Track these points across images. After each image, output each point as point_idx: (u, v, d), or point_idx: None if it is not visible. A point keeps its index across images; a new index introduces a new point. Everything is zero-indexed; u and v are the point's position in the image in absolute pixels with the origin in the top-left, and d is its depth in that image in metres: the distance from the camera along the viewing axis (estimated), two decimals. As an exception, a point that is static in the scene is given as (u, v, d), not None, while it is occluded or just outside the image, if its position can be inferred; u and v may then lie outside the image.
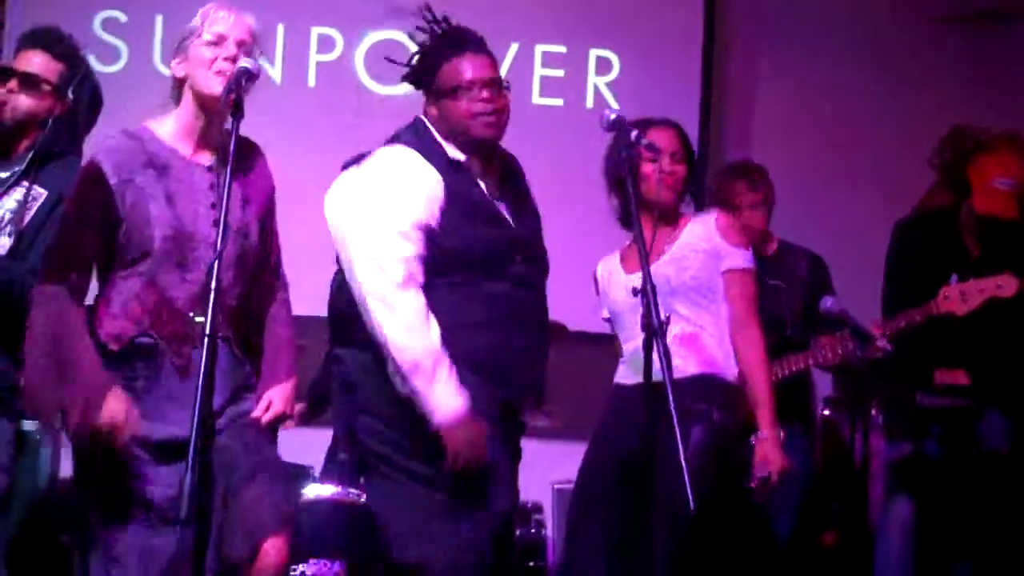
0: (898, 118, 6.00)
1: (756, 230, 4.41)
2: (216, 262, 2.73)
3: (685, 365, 3.48)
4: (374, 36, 5.93)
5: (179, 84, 3.08)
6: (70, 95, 3.49)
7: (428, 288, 3.07)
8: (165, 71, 5.65)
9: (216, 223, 2.85)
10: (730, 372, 3.65)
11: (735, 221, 3.84)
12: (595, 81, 6.02)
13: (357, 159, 3.20)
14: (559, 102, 6.02)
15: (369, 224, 3.08)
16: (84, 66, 3.56)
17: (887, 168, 5.87)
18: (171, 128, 3.08)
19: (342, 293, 3.15)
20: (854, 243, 5.13)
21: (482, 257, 3.12)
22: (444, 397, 3.01)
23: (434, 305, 3.06)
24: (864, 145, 6.07)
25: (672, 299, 3.58)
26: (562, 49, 6.05)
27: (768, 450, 3.60)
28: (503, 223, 3.21)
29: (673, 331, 3.36)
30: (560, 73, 6.05)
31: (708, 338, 3.64)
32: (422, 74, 3.24)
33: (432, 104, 3.22)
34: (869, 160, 6.02)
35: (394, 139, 3.22)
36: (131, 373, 2.97)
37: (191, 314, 2.92)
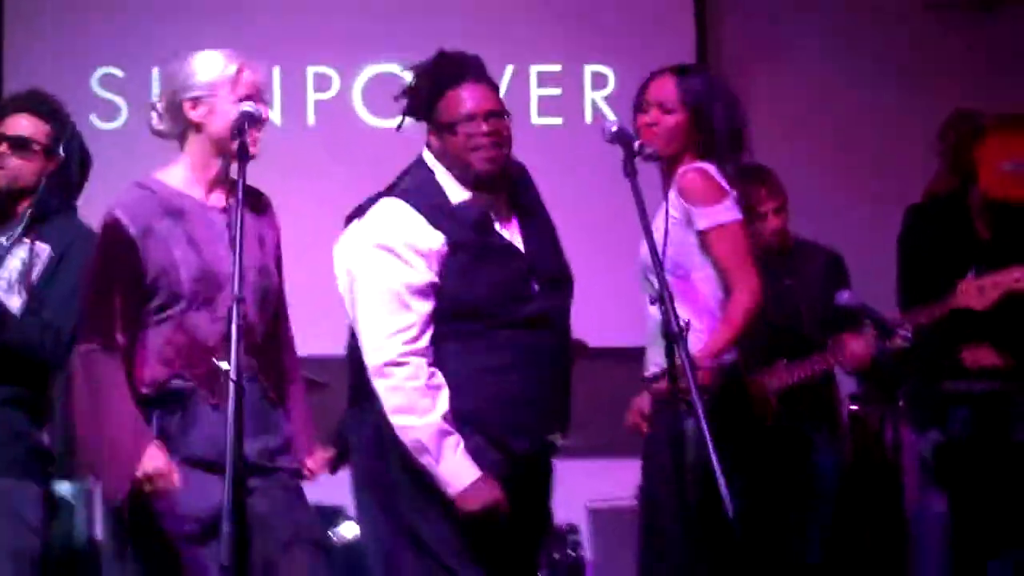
0: (898, 107, 5.98)
1: (782, 231, 4.37)
2: (235, 303, 2.69)
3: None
4: (371, 70, 5.95)
5: (192, 128, 3.05)
6: (61, 153, 3.52)
7: (439, 339, 3.04)
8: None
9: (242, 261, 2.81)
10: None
11: (699, 175, 3.44)
12: (592, 96, 6.03)
13: (359, 210, 3.15)
14: (558, 120, 6.02)
15: (367, 295, 3.06)
16: (70, 124, 3.60)
17: (889, 160, 5.86)
18: (181, 175, 3.08)
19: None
20: (859, 236, 5.10)
21: (497, 299, 3.07)
22: (453, 470, 2.99)
23: (444, 356, 3.04)
24: (864, 140, 6.05)
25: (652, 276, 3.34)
26: (557, 68, 6.05)
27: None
28: (515, 254, 3.15)
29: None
30: (557, 92, 6.05)
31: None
32: (420, 108, 3.18)
33: (433, 135, 3.17)
34: (870, 154, 6.00)
35: (395, 186, 3.17)
36: (167, 415, 2.96)
37: (215, 358, 2.90)
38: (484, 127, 3.09)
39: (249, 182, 2.92)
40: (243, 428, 2.63)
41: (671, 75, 3.54)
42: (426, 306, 3.05)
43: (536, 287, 3.13)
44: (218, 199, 3.06)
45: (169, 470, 2.88)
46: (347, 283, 3.12)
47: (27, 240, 3.44)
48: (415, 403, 3.00)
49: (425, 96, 3.16)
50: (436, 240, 3.06)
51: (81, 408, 2.98)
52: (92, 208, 3.60)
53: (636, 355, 3.60)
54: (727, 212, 3.43)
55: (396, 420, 3.01)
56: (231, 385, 2.63)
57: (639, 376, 3.53)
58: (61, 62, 5.64)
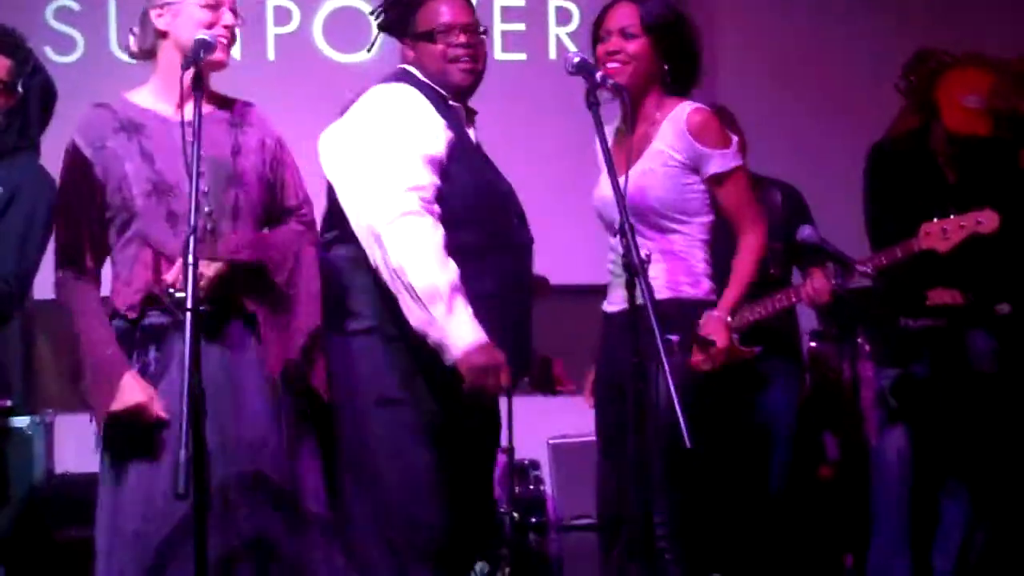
0: (867, 42, 5.98)
1: None
2: (191, 236, 2.64)
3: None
4: (331, 4, 5.88)
5: (160, 38, 3.01)
6: (19, 89, 3.45)
7: None
8: (123, 57, 5.60)
9: (200, 175, 2.76)
10: (700, 291, 3.40)
11: (710, 117, 3.40)
12: (556, 32, 5.99)
13: (348, 104, 3.11)
14: (522, 56, 5.97)
15: (379, 152, 2.97)
16: (32, 59, 3.52)
17: (860, 96, 5.86)
18: (149, 91, 3.04)
19: (325, 251, 3.07)
20: (831, 174, 5.10)
21: (493, 215, 3.04)
22: (463, 326, 2.88)
23: None
24: (836, 74, 6.04)
25: (636, 219, 3.26)
26: (521, 3, 6.00)
27: (712, 325, 3.32)
28: (500, 177, 3.15)
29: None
30: (521, 27, 6.00)
31: (672, 259, 3.37)
32: (398, 18, 3.17)
33: (410, 48, 3.16)
34: (841, 90, 5.99)
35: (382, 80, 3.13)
36: (144, 357, 2.94)
37: (172, 290, 2.82)
38: (462, 38, 3.10)
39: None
40: (199, 359, 2.58)
41: (630, 1, 3.44)
42: (436, 181, 2.98)
43: (515, 218, 3.12)
44: (188, 115, 2.91)
45: (148, 401, 2.86)
46: (345, 156, 3.03)
47: (-22, 181, 3.37)
48: (437, 252, 2.90)
49: (404, 6, 3.15)
50: (442, 126, 3.04)
51: (66, 336, 2.96)
52: (47, 142, 3.55)
53: (597, 292, 3.60)
54: (736, 156, 3.42)
55: (416, 263, 2.87)
56: (187, 315, 2.58)
57: (599, 313, 3.52)
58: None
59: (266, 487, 2.91)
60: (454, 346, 2.87)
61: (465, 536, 3.08)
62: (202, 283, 2.78)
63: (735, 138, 3.46)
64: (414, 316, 2.90)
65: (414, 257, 2.88)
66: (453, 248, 2.95)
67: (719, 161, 3.37)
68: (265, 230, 3.07)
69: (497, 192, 3.11)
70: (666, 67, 3.41)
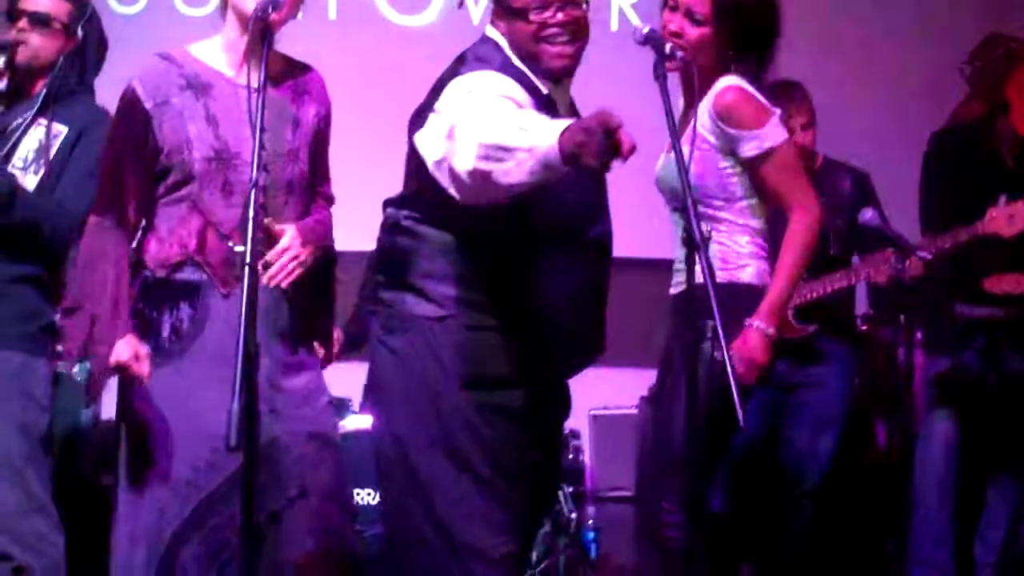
0: (923, 26, 5.90)
1: (809, 148, 4.31)
2: (253, 189, 2.55)
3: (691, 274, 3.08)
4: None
5: (224, 1, 2.99)
6: (79, 33, 3.48)
7: (504, 263, 2.79)
8: (186, 10, 5.69)
9: (262, 146, 2.65)
10: (745, 276, 3.24)
11: (740, 96, 3.19)
12: (619, 3, 5.97)
13: (422, 109, 2.77)
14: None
15: (470, 102, 2.60)
16: (90, 4, 3.55)
17: (915, 78, 5.80)
18: (215, 48, 3.00)
19: (395, 234, 2.87)
20: (884, 154, 5.05)
21: (579, 212, 2.83)
22: (546, 132, 2.41)
23: (511, 280, 2.79)
24: (893, 57, 5.98)
25: (676, 203, 3.16)
26: (583, -28, 5.97)
27: (751, 340, 3.18)
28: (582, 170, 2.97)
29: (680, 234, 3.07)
30: (583, -4, 5.96)
31: (714, 244, 3.16)
32: None
33: (500, 18, 2.83)
34: (896, 72, 5.93)
35: (460, 63, 2.79)
36: (177, 314, 2.94)
37: (230, 243, 2.85)
38: (560, 16, 2.77)
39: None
40: (255, 315, 2.49)
41: None
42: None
43: (599, 202, 2.91)
44: (252, 78, 2.85)
45: (128, 360, 2.88)
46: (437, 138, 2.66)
47: (44, 121, 3.40)
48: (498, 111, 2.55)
49: None
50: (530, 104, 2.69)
51: (78, 280, 2.98)
52: (106, 93, 3.57)
53: (640, 265, 3.57)
54: (775, 133, 3.20)
55: (482, 131, 2.49)
56: (246, 270, 2.49)
57: (642, 288, 3.47)
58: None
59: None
60: (549, 147, 2.41)
61: (535, 511, 3.02)
62: (298, 269, 2.89)
63: (774, 113, 3.24)
64: (513, 169, 2.47)
65: (480, 127, 2.53)
66: (532, 245, 2.80)
67: (751, 143, 3.19)
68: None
69: (583, 193, 2.86)
70: (730, 53, 3.24)
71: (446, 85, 2.75)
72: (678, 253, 3.25)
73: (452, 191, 2.63)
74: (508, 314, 2.83)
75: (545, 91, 2.79)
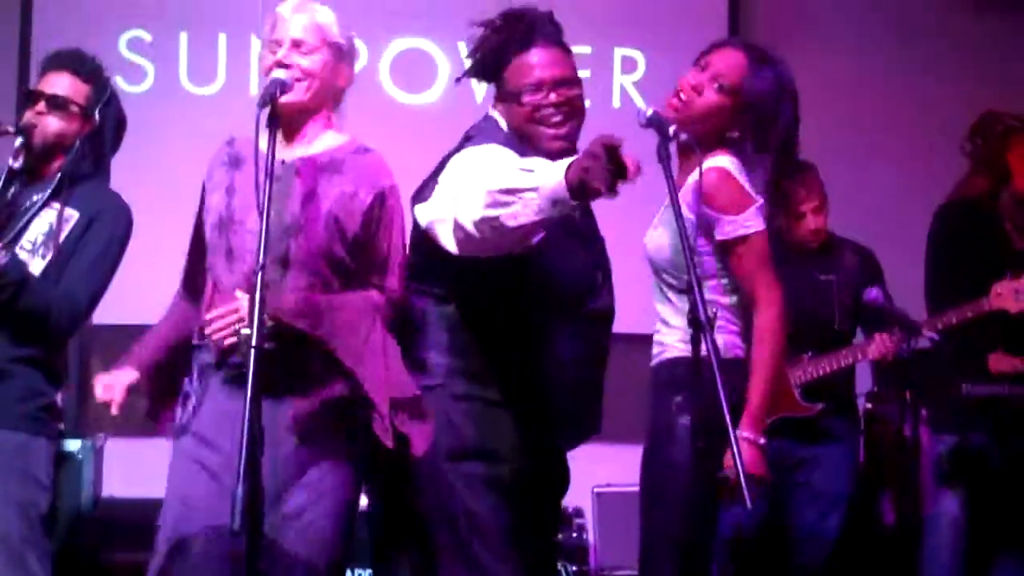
0: (921, 100, 5.96)
1: (819, 231, 4.30)
2: (258, 271, 2.57)
3: (660, 350, 3.13)
4: (399, 44, 5.90)
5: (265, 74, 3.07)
6: (96, 116, 3.50)
7: (500, 333, 2.81)
8: (192, 88, 5.73)
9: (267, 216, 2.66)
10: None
11: (723, 177, 3.09)
12: (621, 81, 6.01)
13: (425, 184, 2.84)
14: (586, 103, 5.98)
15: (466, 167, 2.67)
16: (109, 88, 3.57)
17: (911, 151, 5.84)
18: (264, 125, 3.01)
19: None
20: (881, 227, 5.06)
21: (578, 286, 2.86)
22: (550, 172, 2.45)
23: (506, 351, 2.82)
24: (889, 129, 6.02)
25: (655, 275, 3.14)
26: (587, 50, 6.00)
27: (745, 454, 2.97)
28: (591, 238, 2.96)
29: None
30: (586, 74, 5.98)
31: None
32: (487, 69, 2.92)
33: (499, 101, 2.91)
34: (894, 145, 5.98)
35: (464, 141, 2.87)
36: (191, 385, 2.99)
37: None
38: (552, 97, 2.84)
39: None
40: (260, 396, 2.47)
41: (743, 53, 3.15)
42: None
43: (600, 277, 2.95)
44: (287, 154, 2.94)
45: (95, 384, 3.05)
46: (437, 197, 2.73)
47: (56, 204, 3.41)
48: (499, 162, 2.62)
49: (491, 60, 2.93)
50: None
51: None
52: (115, 171, 3.60)
53: (642, 342, 3.55)
54: (751, 222, 3.09)
55: (487, 180, 2.54)
56: (251, 351, 2.49)
57: (646, 364, 3.45)
58: (89, 25, 5.62)
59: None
60: (556, 183, 2.45)
61: None
62: (231, 337, 2.83)
63: (756, 202, 3.13)
64: (521, 211, 2.50)
65: (486, 177, 2.57)
66: (529, 315, 2.83)
67: (727, 227, 3.08)
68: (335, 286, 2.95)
69: (581, 266, 2.92)
70: (736, 134, 3.14)
71: (450, 160, 2.80)
72: (658, 324, 3.22)
73: (450, 246, 2.64)
74: (500, 385, 2.83)
75: None
